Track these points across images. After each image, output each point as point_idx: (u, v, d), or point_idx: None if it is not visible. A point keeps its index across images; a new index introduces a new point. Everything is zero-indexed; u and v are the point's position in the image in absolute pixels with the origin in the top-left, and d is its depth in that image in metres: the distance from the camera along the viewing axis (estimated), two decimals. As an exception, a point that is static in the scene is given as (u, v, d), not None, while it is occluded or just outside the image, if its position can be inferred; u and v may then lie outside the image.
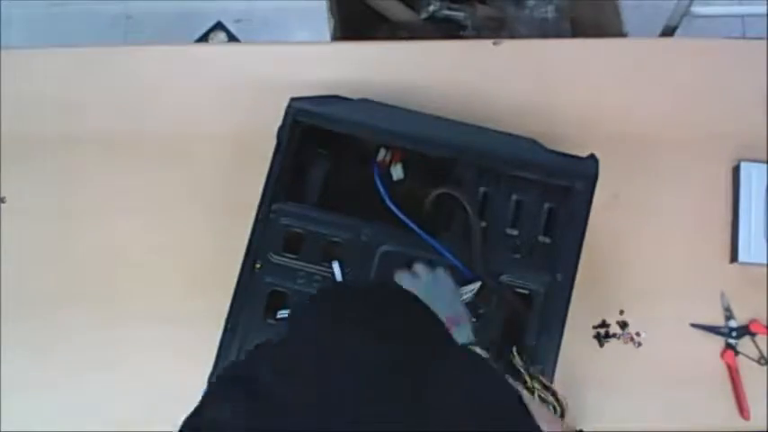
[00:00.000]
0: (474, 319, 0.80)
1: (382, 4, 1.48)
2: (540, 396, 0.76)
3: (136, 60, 1.11)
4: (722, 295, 0.99)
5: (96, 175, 1.06)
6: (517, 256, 0.88)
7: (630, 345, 0.98)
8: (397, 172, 0.94)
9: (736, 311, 0.99)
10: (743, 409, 0.95)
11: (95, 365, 0.99)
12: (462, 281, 0.83)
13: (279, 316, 0.86)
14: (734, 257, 1.00)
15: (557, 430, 0.60)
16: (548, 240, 0.89)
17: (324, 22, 1.32)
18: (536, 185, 0.88)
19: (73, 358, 0.99)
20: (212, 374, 0.81)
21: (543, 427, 0.56)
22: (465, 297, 0.82)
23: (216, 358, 0.83)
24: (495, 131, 0.89)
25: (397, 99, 0.92)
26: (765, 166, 1.02)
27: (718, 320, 0.99)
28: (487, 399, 0.53)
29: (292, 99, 0.89)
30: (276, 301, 0.86)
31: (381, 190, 0.89)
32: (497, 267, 0.85)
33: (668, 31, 1.29)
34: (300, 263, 0.86)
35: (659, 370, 0.97)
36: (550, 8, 1.48)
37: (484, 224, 0.88)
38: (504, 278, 0.85)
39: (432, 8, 1.48)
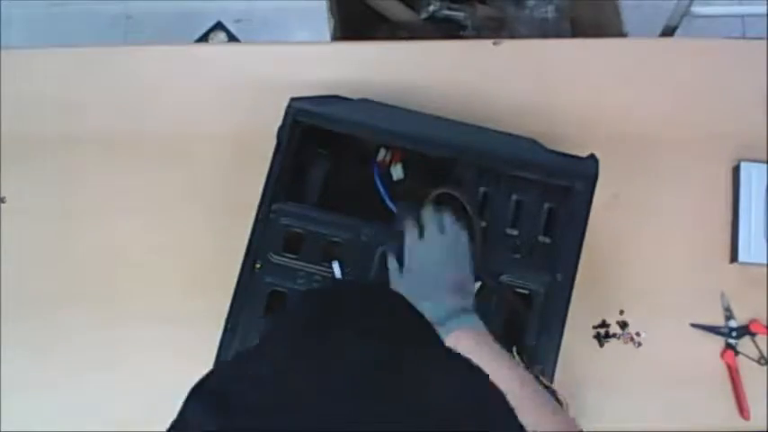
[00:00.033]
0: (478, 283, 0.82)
1: (382, 4, 1.48)
2: None
3: (136, 60, 1.11)
4: (722, 295, 0.99)
5: (96, 175, 1.06)
6: (517, 256, 0.88)
7: (630, 345, 0.98)
8: (397, 172, 0.94)
9: (736, 311, 0.99)
10: (743, 409, 0.95)
11: (95, 365, 0.99)
12: None
13: None
14: (734, 257, 1.00)
15: (566, 429, 0.60)
16: (548, 240, 0.89)
17: (324, 22, 1.32)
18: (536, 185, 0.88)
19: (73, 358, 0.99)
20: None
21: (549, 421, 0.56)
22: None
23: (216, 358, 0.83)
24: (495, 131, 0.89)
25: (397, 99, 0.92)
26: (765, 166, 1.02)
27: (718, 320, 0.99)
28: (470, 399, 0.53)
29: (292, 99, 0.89)
30: (276, 301, 0.86)
31: (381, 190, 0.89)
32: (497, 267, 0.85)
33: (668, 31, 1.29)
34: (300, 263, 0.86)
35: (659, 370, 0.97)
36: (550, 8, 1.48)
37: (484, 224, 0.88)
38: (504, 278, 0.85)
39: (432, 8, 1.48)
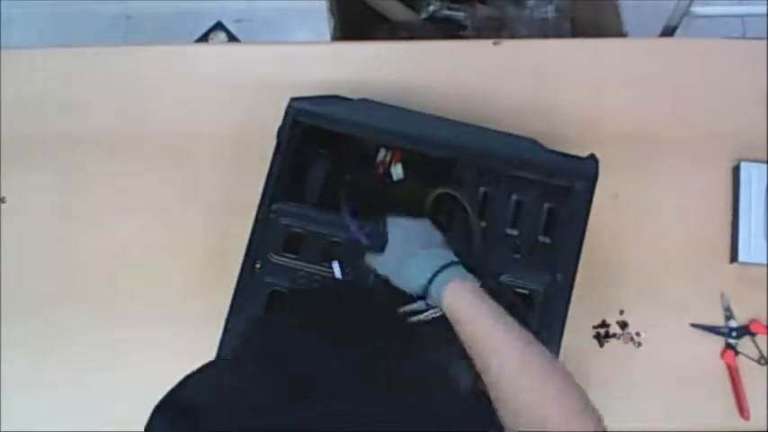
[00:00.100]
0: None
1: (382, 4, 1.48)
2: None
3: (136, 60, 1.11)
4: (722, 295, 0.99)
5: (96, 175, 1.06)
6: (517, 256, 0.88)
7: (630, 345, 0.98)
8: (397, 172, 0.94)
9: (736, 311, 0.99)
10: (743, 409, 0.96)
11: (95, 365, 0.99)
12: None
13: None
14: (734, 257, 1.00)
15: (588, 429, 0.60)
16: (548, 240, 0.89)
17: (324, 22, 1.32)
18: (536, 185, 0.88)
19: (73, 358, 0.99)
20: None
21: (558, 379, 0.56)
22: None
23: (216, 358, 0.83)
24: (495, 131, 0.89)
25: (397, 99, 0.92)
26: (765, 166, 1.02)
27: (718, 320, 0.99)
28: (436, 399, 0.53)
29: (292, 99, 0.89)
30: (276, 301, 0.86)
31: (354, 232, 0.86)
32: (497, 267, 0.85)
33: (668, 31, 1.29)
34: (300, 263, 0.86)
35: (659, 370, 0.97)
36: (550, 8, 1.48)
37: (484, 224, 0.88)
38: (504, 278, 0.85)
39: (432, 8, 1.48)
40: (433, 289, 0.71)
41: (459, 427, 0.50)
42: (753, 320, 0.98)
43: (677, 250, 1.01)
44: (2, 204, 1.05)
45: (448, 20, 1.50)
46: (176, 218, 1.03)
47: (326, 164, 0.96)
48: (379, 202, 0.92)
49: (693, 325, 0.99)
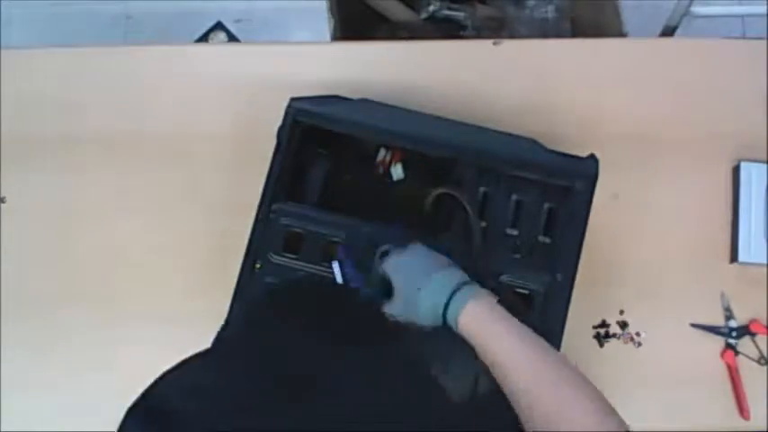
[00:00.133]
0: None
1: (382, 4, 1.48)
2: None
3: (136, 60, 1.11)
4: (722, 295, 1.00)
5: (96, 175, 1.06)
6: (517, 256, 0.88)
7: (630, 345, 0.98)
8: (397, 172, 0.94)
9: (736, 311, 0.99)
10: (743, 409, 0.96)
11: (95, 365, 0.99)
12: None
13: None
14: (734, 257, 1.00)
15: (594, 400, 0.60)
16: (548, 240, 0.89)
17: (324, 22, 1.32)
18: (536, 185, 0.88)
19: (73, 358, 0.99)
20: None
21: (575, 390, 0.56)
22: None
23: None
24: (495, 131, 0.89)
25: (397, 99, 0.92)
26: (765, 166, 1.02)
27: (718, 320, 0.99)
28: (435, 399, 0.53)
29: (292, 99, 0.89)
30: (276, 300, 0.86)
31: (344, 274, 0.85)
32: (497, 267, 0.85)
33: (668, 31, 1.29)
34: (300, 263, 0.86)
35: (659, 370, 0.97)
36: (550, 8, 1.48)
37: (484, 224, 0.88)
38: (504, 278, 0.85)
39: (432, 8, 1.48)
40: (451, 322, 0.69)
41: (459, 428, 0.50)
42: (753, 320, 0.98)
43: (677, 250, 1.01)
44: (2, 204, 1.05)
45: (448, 20, 1.50)
46: (176, 218, 1.03)
47: (326, 164, 0.96)
48: (378, 203, 0.92)
49: (693, 325, 0.99)
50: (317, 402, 0.46)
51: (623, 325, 0.99)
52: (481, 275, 0.84)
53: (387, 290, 0.76)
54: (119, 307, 1.00)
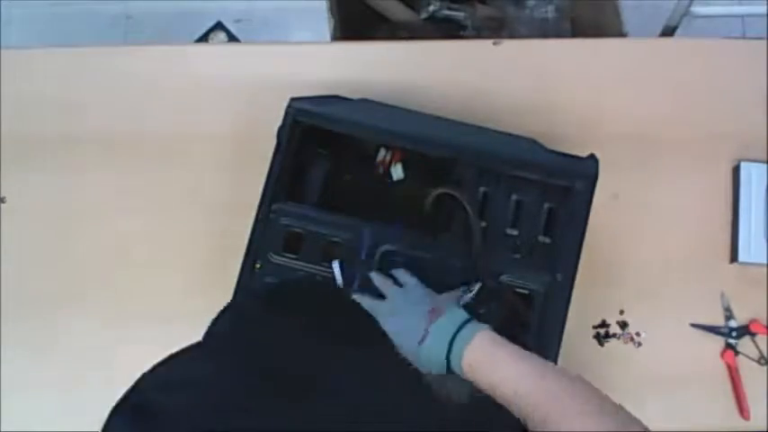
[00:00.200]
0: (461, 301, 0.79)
1: (382, 4, 1.48)
2: None
3: (136, 60, 1.11)
4: (722, 295, 1.00)
5: (96, 175, 1.06)
6: (517, 256, 0.88)
7: (630, 345, 0.98)
8: (397, 172, 0.94)
9: (736, 311, 0.99)
10: (743, 409, 0.96)
11: (95, 365, 0.99)
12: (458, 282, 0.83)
13: None
14: (734, 257, 1.00)
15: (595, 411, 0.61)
16: (548, 240, 0.88)
17: (324, 22, 1.32)
18: (536, 185, 0.88)
19: (73, 358, 0.99)
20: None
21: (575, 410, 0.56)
22: (465, 298, 0.82)
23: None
24: (495, 131, 0.89)
25: (397, 99, 0.92)
26: (765, 166, 1.02)
27: (718, 320, 0.99)
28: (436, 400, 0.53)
29: (292, 99, 0.89)
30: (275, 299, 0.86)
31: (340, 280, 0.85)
32: (497, 267, 0.85)
33: (668, 31, 1.29)
34: (300, 263, 0.86)
35: (659, 370, 0.97)
36: (550, 8, 1.48)
37: (484, 224, 0.88)
38: (504, 278, 0.85)
39: (432, 8, 1.48)
40: (457, 371, 0.70)
41: (459, 428, 0.50)
42: (753, 320, 0.98)
43: (677, 250, 1.01)
44: (2, 204, 1.05)
45: (448, 20, 1.50)
46: (176, 218, 1.03)
47: (326, 164, 0.96)
48: (378, 203, 0.92)
49: (693, 325, 0.99)
50: (316, 402, 0.46)
51: (623, 325, 0.99)
52: (481, 275, 0.84)
53: None
54: (119, 307, 1.00)
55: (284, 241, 0.86)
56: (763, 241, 0.99)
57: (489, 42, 1.09)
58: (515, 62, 1.09)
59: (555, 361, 0.83)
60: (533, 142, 0.88)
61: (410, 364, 0.68)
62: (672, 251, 1.01)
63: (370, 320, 0.76)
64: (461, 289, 0.83)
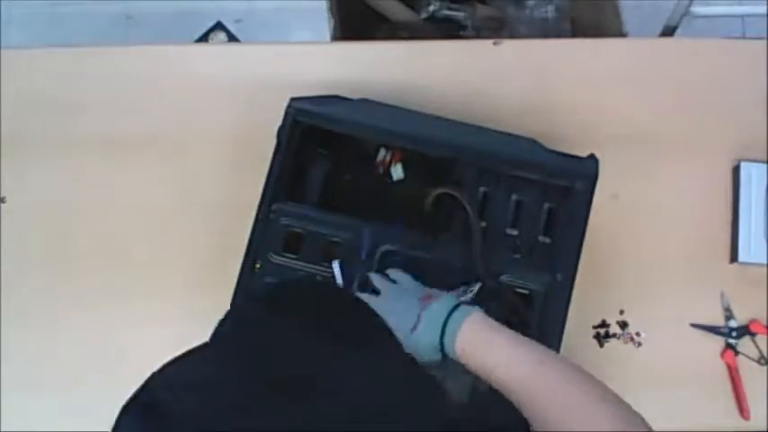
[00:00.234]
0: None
1: (382, 4, 1.48)
2: None
3: (136, 60, 1.11)
4: (722, 295, 1.00)
5: (96, 175, 1.06)
6: (517, 256, 0.88)
7: (630, 345, 0.98)
8: (397, 172, 0.94)
9: (736, 311, 0.99)
10: (743, 409, 0.96)
11: (95, 365, 0.99)
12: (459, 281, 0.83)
13: None
14: (734, 257, 1.00)
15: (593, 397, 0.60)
16: (548, 240, 0.89)
17: (324, 22, 1.32)
18: (536, 185, 0.88)
19: (73, 358, 0.99)
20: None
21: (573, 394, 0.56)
22: (465, 298, 0.82)
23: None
24: (495, 131, 0.89)
25: (397, 99, 0.92)
26: (765, 166, 1.02)
27: (719, 320, 0.99)
28: (436, 400, 0.53)
29: (292, 99, 0.89)
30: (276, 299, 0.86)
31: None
32: (497, 267, 0.85)
33: (668, 31, 1.29)
34: (300, 263, 0.86)
35: (659, 370, 0.97)
36: (550, 8, 1.48)
37: (484, 224, 0.88)
38: (504, 278, 0.85)
39: (432, 8, 1.48)
40: (451, 354, 0.69)
41: (459, 428, 0.50)
42: (753, 320, 0.98)
43: (677, 250, 1.01)
44: (2, 204, 1.05)
45: (448, 20, 1.50)
46: (176, 218, 1.03)
47: (326, 164, 0.96)
48: (378, 203, 0.92)
49: (693, 325, 0.99)
50: (316, 402, 0.46)
51: (623, 325, 0.99)
52: (481, 275, 0.84)
53: None
54: (119, 307, 1.00)
55: (284, 241, 0.86)
56: (763, 241, 0.99)
57: (489, 42, 1.09)
58: (515, 62, 1.09)
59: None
60: (533, 142, 0.88)
61: (411, 363, 0.68)
62: (672, 251, 1.01)
63: (370, 319, 0.76)
64: (461, 289, 0.83)
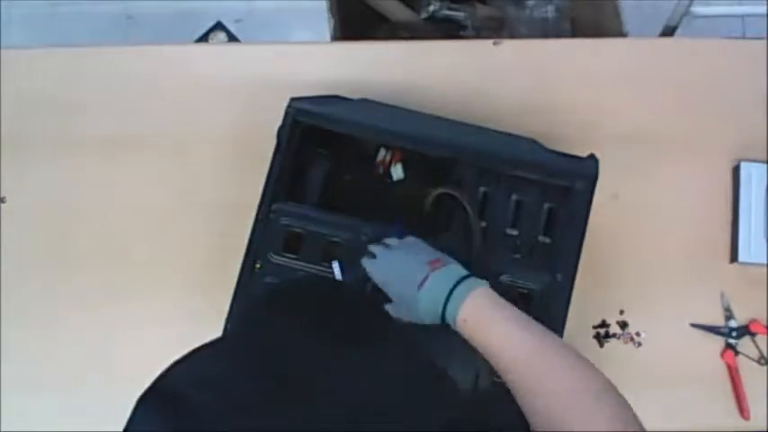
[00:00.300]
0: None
1: (382, 4, 1.48)
2: None
3: (136, 60, 1.11)
4: (722, 295, 1.00)
5: (96, 175, 1.06)
6: (517, 256, 0.88)
7: (630, 345, 0.98)
8: (397, 172, 0.94)
9: (736, 311, 0.99)
10: (743, 409, 0.96)
11: (95, 365, 0.99)
12: None
13: None
14: (734, 257, 1.00)
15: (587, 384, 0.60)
16: (548, 240, 0.89)
17: (324, 22, 1.32)
18: (536, 185, 0.88)
19: (73, 358, 0.99)
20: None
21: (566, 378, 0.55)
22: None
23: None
24: (495, 131, 0.89)
25: (397, 99, 0.92)
26: (765, 166, 1.02)
27: (719, 320, 0.99)
28: (436, 400, 0.53)
29: (292, 99, 0.89)
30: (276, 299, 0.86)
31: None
32: (497, 267, 0.85)
33: (668, 31, 1.29)
34: (300, 263, 0.86)
35: (659, 370, 0.97)
36: (550, 8, 1.48)
37: (484, 224, 0.88)
38: (504, 278, 0.85)
39: (432, 8, 1.49)
40: (450, 321, 0.69)
41: (459, 428, 0.50)
42: (753, 320, 0.98)
43: (677, 250, 1.01)
44: (2, 204, 1.05)
45: (448, 20, 1.50)
46: (176, 218, 1.03)
47: (326, 164, 0.96)
48: (378, 203, 0.92)
49: (693, 325, 0.99)
50: (317, 402, 0.46)
51: (623, 325, 0.99)
52: (481, 275, 0.84)
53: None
54: (119, 307, 1.00)
55: (284, 241, 0.86)
56: (763, 241, 0.99)
57: (489, 42, 1.09)
58: (515, 62, 1.09)
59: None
60: (533, 142, 0.88)
61: (411, 364, 0.68)
62: (672, 251, 1.01)
63: (370, 319, 0.76)
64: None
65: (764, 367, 0.98)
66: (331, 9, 1.32)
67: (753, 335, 0.98)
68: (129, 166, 1.06)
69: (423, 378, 0.62)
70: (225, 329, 0.84)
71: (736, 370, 0.97)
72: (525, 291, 0.85)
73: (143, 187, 1.05)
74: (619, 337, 0.98)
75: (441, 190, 0.87)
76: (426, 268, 0.72)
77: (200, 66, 1.11)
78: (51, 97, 1.09)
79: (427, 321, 0.71)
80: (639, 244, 1.01)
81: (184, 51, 1.16)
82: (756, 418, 0.96)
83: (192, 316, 0.96)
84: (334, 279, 0.84)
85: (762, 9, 1.22)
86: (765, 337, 0.98)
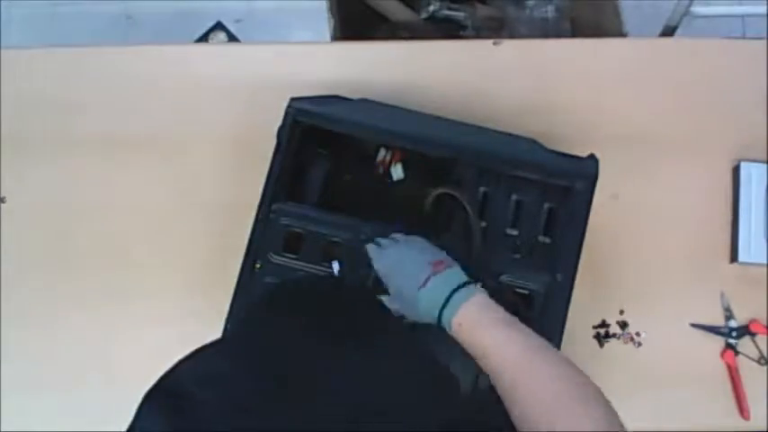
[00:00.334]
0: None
1: (382, 4, 1.48)
2: None
3: (136, 60, 1.11)
4: (722, 295, 1.00)
5: (96, 175, 1.06)
6: (517, 256, 0.88)
7: (630, 345, 0.98)
8: (397, 172, 0.94)
9: (736, 311, 0.99)
10: (743, 409, 0.96)
11: (95, 365, 0.99)
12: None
13: None
14: (734, 257, 1.00)
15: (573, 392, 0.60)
16: (548, 240, 0.89)
17: (324, 22, 1.32)
18: (536, 185, 0.88)
19: (73, 358, 0.99)
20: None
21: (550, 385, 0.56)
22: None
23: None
24: (495, 131, 0.89)
25: (397, 99, 0.92)
26: (765, 166, 1.02)
27: (719, 320, 0.99)
28: (437, 400, 0.53)
29: (292, 99, 0.89)
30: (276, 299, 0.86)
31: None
32: (497, 267, 0.85)
33: (668, 31, 1.29)
34: (300, 263, 0.86)
35: (659, 370, 0.97)
36: (550, 8, 1.48)
37: (484, 224, 0.88)
38: (504, 278, 0.85)
39: (432, 8, 1.49)
40: (445, 325, 0.70)
41: (459, 427, 0.50)
42: (753, 320, 0.98)
43: (677, 250, 1.01)
44: (2, 204, 1.05)
45: (448, 20, 1.50)
46: (176, 218, 1.03)
47: (326, 164, 0.96)
48: (378, 203, 0.92)
49: (693, 325, 0.99)
50: (317, 402, 0.46)
51: (623, 325, 0.99)
52: (481, 275, 0.84)
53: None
54: (119, 307, 1.00)
55: (284, 241, 0.86)
56: (763, 241, 0.99)
57: (489, 42, 1.09)
58: (515, 62, 1.09)
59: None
60: (533, 142, 0.88)
61: (411, 363, 0.68)
62: (672, 251, 1.01)
63: (370, 319, 0.76)
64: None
65: (764, 367, 0.98)
66: (331, 9, 1.32)
67: (753, 335, 0.98)
68: (129, 166, 1.06)
69: (423, 378, 0.62)
70: (225, 329, 0.84)
71: (736, 370, 0.97)
72: (525, 291, 0.85)
73: (143, 187, 1.05)
74: (619, 337, 0.98)
75: (441, 190, 0.87)
76: (429, 269, 0.72)
77: (200, 66, 1.11)
78: (51, 97, 1.09)
79: (423, 321, 0.72)
80: (639, 244, 1.01)
81: (184, 51, 1.16)
82: (756, 418, 0.96)
83: (192, 316, 0.96)
84: (334, 278, 0.84)
85: (762, 9, 1.22)
86: (765, 337, 0.98)
